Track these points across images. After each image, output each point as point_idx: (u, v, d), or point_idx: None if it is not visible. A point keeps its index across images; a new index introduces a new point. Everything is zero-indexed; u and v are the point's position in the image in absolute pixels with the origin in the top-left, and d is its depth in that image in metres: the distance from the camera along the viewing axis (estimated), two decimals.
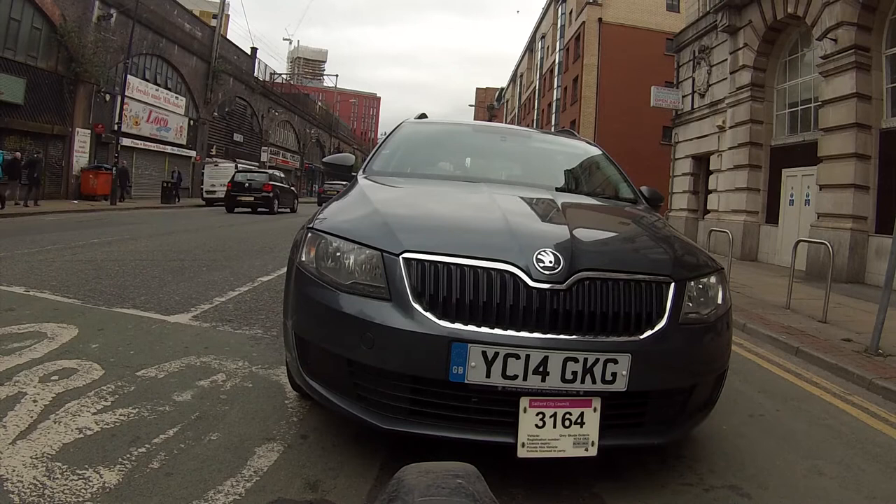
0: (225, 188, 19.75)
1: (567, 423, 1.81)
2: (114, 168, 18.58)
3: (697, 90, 15.52)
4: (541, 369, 1.75)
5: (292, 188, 23.80)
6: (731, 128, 13.37)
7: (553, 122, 37.28)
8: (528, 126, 38.24)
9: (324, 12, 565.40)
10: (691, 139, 15.91)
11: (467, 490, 0.52)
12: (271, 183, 19.21)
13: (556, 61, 38.28)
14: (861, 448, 2.69)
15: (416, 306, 1.82)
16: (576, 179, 3.54)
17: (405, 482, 0.53)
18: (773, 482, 2.20)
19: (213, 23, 30.62)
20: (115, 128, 19.28)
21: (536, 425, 1.80)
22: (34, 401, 2.36)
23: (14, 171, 14.67)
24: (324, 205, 2.58)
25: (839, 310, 6.18)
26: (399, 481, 0.53)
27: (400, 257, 1.88)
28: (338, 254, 2.02)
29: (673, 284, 1.98)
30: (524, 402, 1.79)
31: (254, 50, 36.44)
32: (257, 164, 32.04)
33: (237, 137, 33.08)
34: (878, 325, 4.45)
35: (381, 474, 1.98)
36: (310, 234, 2.17)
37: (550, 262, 1.85)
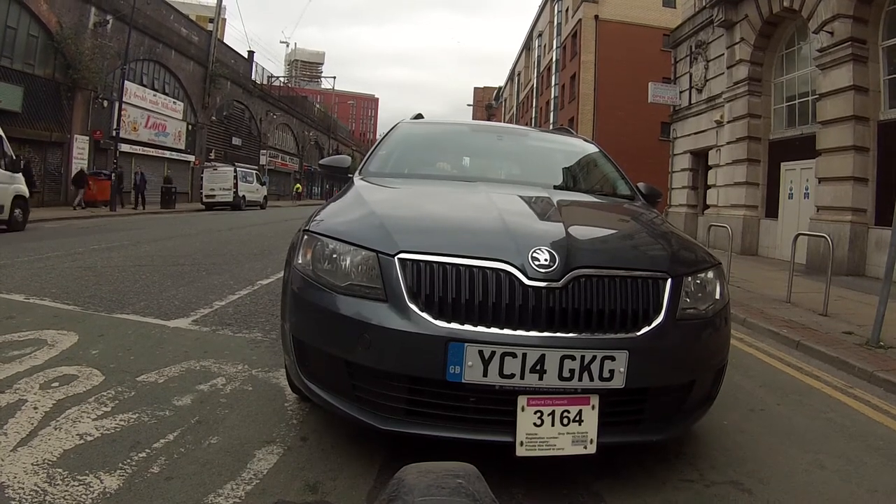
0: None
1: (565, 421, 1.81)
2: (112, 174, 18.60)
3: (695, 86, 15.50)
4: (538, 367, 1.75)
5: None
6: (729, 122, 13.36)
7: (551, 120, 37.26)
8: (526, 124, 38.27)
9: (322, 12, 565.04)
10: (689, 135, 15.89)
11: (467, 490, 0.52)
12: None
13: (554, 59, 38.26)
14: (863, 441, 2.69)
15: (413, 307, 1.82)
16: (573, 177, 3.54)
17: (405, 482, 0.53)
18: (774, 477, 2.20)
19: (210, 27, 30.62)
20: (114, 133, 19.29)
21: (535, 424, 1.80)
22: (35, 408, 2.36)
23: (81, 181, 17.80)
24: (320, 207, 2.58)
25: (840, 303, 6.18)
26: (399, 481, 0.53)
27: (395, 258, 1.88)
28: (334, 255, 2.02)
29: (669, 280, 1.98)
30: (522, 400, 1.79)
31: (251, 53, 36.46)
32: (256, 167, 32.07)
33: (236, 141, 33.09)
34: (879, 318, 4.44)
35: (381, 475, 1.98)
36: (306, 237, 2.17)
37: (546, 260, 1.85)
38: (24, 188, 11.21)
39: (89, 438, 2.13)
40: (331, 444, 2.22)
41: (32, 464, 1.92)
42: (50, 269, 6.02)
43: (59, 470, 1.89)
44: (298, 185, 43.37)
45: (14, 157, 11.12)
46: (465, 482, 0.54)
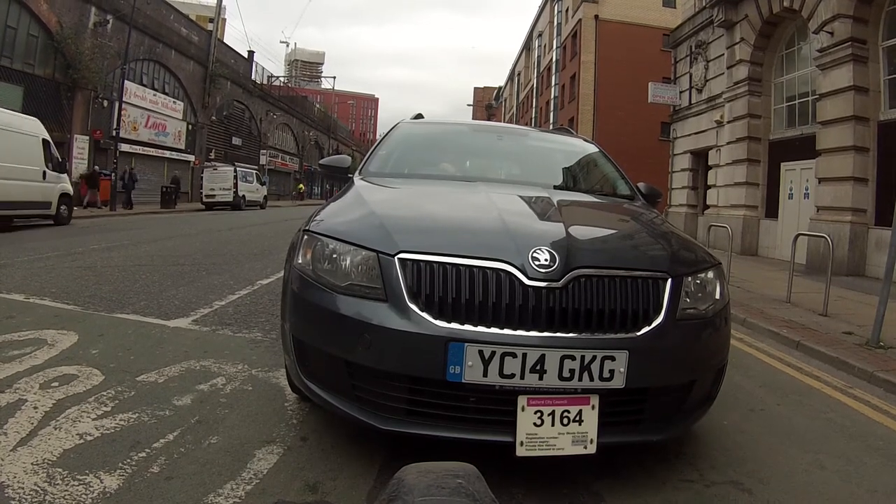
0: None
1: (565, 421, 1.81)
2: (112, 174, 18.61)
3: (695, 86, 15.50)
4: (538, 367, 1.75)
5: None
6: (729, 122, 13.36)
7: (551, 120, 37.25)
8: (526, 124, 38.29)
9: (322, 12, 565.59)
10: (690, 135, 15.89)
11: (467, 490, 0.52)
12: None
13: (554, 59, 38.26)
14: (863, 441, 2.69)
15: (413, 307, 1.82)
16: (573, 177, 3.55)
17: (405, 482, 0.53)
18: (774, 477, 2.20)
19: (210, 27, 30.61)
20: (114, 133, 19.30)
21: (535, 424, 1.79)
22: (35, 407, 2.36)
23: (93, 182, 18.36)
24: (320, 207, 2.58)
25: (840, 303, 6.18)
26: (399, 481, 0.54)
27: (395, 258, 1.88)
28: (334, 255, 2.02)
29: (669, 280, 1.98)
30: (522, 400, 1.79)
31: (251, 53, 36.44)
32: (256, 167, 32.06)
33: (236, 141, 33.09)
34: (879, 318, 4.44)
35: (381, 475, 1.98)
36: (306, 237, 2.17)
37: (546, 260, 1.85)
38: (68, 186, 12.51)
39: (89, 438, 2.13)
40: (331, 444, 2.22)
41: (32, 463, 1.92)
42: (50, 268, 6.02)
43: (59, 470, 1.89)
44: (301, 185, 43.49)
45: (60, 159, 12.29)
46: (465, 482, 0.54)
